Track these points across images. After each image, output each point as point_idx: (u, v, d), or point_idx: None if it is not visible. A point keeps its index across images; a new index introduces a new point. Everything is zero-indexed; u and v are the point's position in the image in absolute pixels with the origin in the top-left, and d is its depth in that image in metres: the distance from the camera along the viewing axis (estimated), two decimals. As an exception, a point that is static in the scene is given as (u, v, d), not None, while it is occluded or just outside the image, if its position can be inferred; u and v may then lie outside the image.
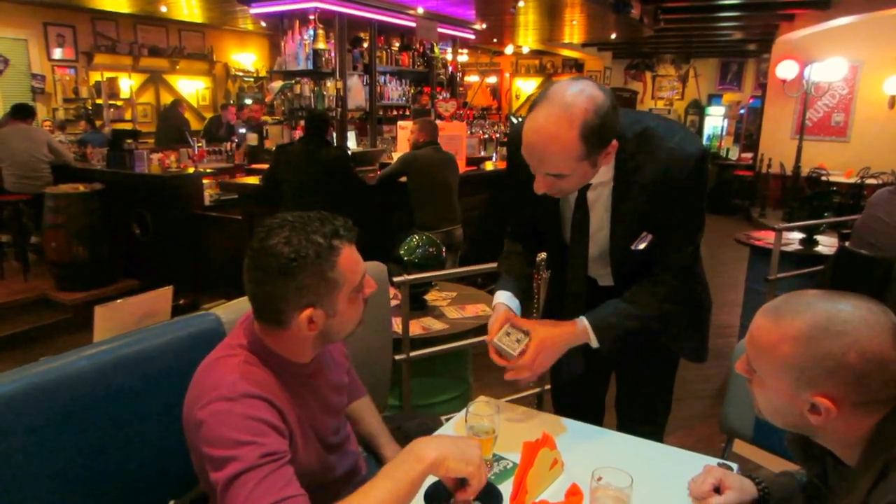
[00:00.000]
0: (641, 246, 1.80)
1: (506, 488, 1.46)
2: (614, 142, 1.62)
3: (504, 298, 1.91)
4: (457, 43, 9.21)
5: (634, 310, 1.80)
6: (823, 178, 9.96)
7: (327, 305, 1.38)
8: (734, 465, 1.58)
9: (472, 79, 16.77)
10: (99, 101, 10.59)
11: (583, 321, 1.78)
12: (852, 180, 9.71)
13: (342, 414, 1.67)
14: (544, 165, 1.62)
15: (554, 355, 1.78)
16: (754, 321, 1.21)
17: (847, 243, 3.60)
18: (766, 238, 4.73)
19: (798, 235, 4.79)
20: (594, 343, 1.78)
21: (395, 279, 2.68)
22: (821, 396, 1.11)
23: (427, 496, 1.37)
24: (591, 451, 1.70)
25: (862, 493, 1.08)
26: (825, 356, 1.09)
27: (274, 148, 5.77)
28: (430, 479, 1.31)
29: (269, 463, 1.22)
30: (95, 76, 10.72)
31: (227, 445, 1.22)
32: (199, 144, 7.32)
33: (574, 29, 11.36)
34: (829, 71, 10.19)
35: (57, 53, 10.29)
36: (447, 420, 1.98)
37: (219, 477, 1.20)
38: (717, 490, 1.45)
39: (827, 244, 4.64)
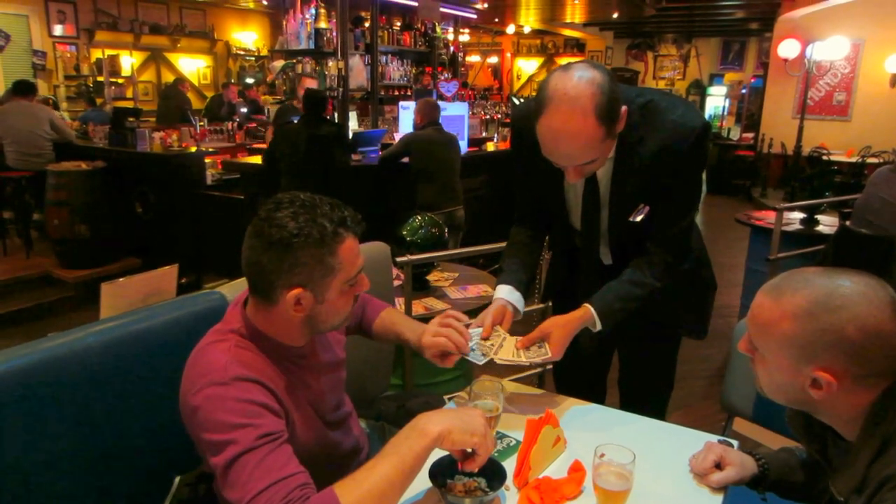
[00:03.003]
0: (639, 218, 1.81)
1: (509, 465, 1.47)
2: (624, 107, 1.63)
3: (504, 293, 1.92)
4: (458, 22, 9.19)
5: (635, 291, 1.81)
6: (824, 157, 9.93)
7: (318, 290, 1.38)
8: (734, 442, 1.60)
9: (473, 59, 16.68)
10: (100, 79, 10.57)
11: (589, 309, 1.80)
12: (853, 159, 9.69)
13: (340, 389, 1.68)
14: (575, 160, 1.63)
15: (570, 339, 1.80)
16: (755, 300, 1.23)
17: (848, 222, 3.60)
18: (766, 218, 4.72)
19: (799, 215, 4.77)
20: (598, 327, 1.80)
21: (398, 259, 2.69)
22: (822, 371, 1.12)
23: (432, 472, 1.38)
24: (594, 428, 1.71)
25: (861, 468, 1.11)
26: (825, 330, 1.11)
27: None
28: (436, 454, 1.33)
29: (267, 444, 1.22)
30: (96, 53, 10.68)
31: (223, 429, 1.23)
32: (201, 123, 7.32)
33: (576, 8, 11.30)
34: (830, 49, 10.12)
35: (58, 30, 10.23)
36: (450, 399, 2.00)
37: (218, 461, 1.21)
38: (718, 466, 1.47)
39: (828, 224, 4.63)
